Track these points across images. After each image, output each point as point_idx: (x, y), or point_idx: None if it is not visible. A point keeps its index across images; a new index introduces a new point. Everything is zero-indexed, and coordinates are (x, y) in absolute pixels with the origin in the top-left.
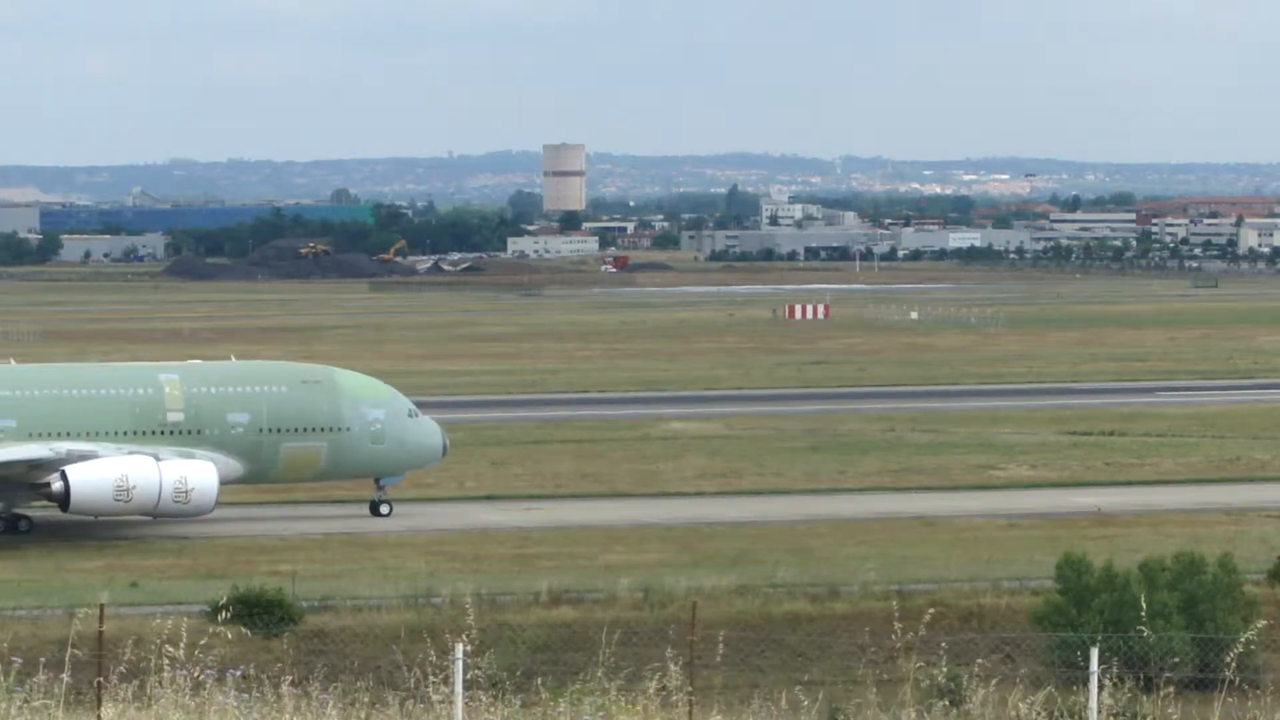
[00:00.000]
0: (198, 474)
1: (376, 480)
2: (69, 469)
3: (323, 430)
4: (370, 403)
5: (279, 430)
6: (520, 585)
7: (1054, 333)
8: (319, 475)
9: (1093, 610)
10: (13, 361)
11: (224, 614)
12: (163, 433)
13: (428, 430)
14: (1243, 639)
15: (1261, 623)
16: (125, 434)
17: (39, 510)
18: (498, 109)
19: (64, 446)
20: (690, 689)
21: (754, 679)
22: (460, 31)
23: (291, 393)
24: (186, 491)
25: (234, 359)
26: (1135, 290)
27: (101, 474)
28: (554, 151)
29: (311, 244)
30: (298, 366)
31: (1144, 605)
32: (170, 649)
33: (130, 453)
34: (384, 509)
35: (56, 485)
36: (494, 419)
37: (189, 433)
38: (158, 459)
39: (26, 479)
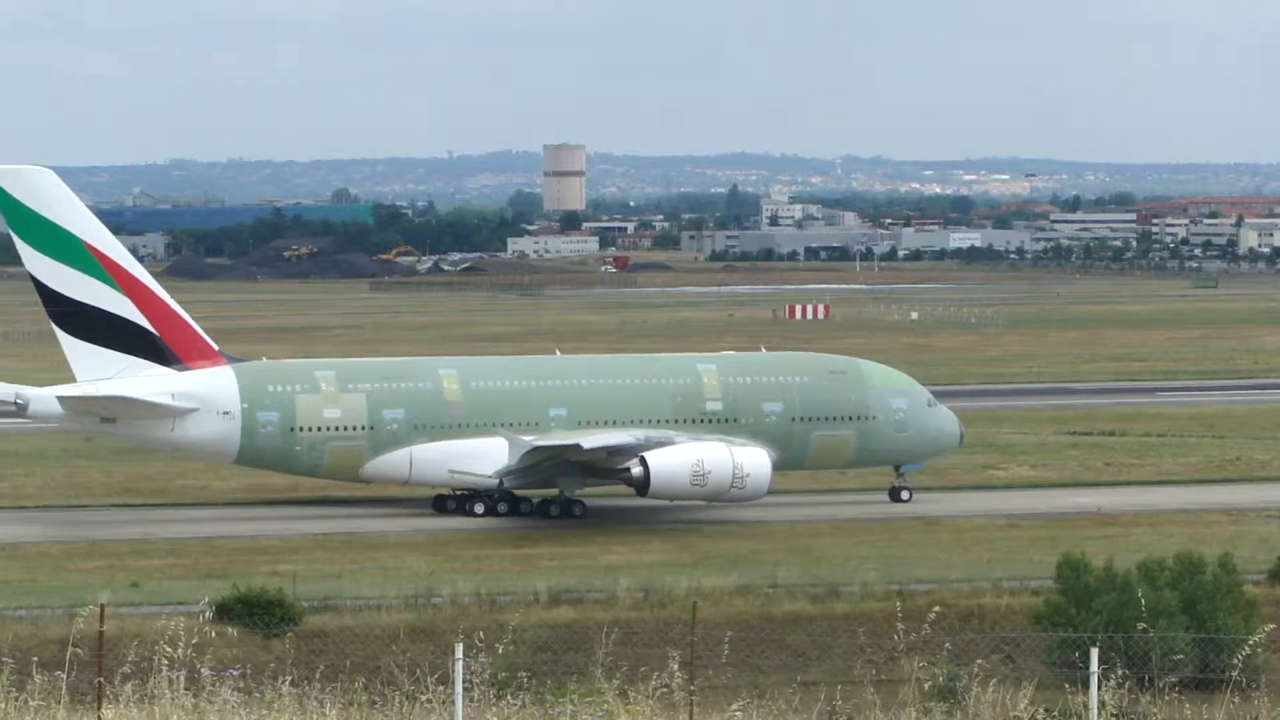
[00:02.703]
0: (753, 460)
1: (897, 468)
2: (649, 454)
3: (850, 419)
4: (894, 392)
5: (810, 419)
6: (520, 585)
7: (1054, 333)
8: (847, 463)
9: (1092, 610)
10: (557, 352)
11: (207, 614)
12: (702, 421)
13: (946, 419)
14: (1251, 641)
15: (1270, 626)
16: (667, 422)
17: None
18: (498, 109)
19: (642, 433)
20: (691, 689)
21: (754, 679)
22: (460, 31)
23: (820, 383)
24: (744, 477)
25: (764, 349)
26: (1135, 290)
27: (679, 459)
28: (554, 151)
29: (295, 247)
30: (824, 358)
31: (1143, 604)
32: (170, 649)
33: (693, 439)
34: (904, 495)
35: (636, 470)
36: None
37: (727, 421)
38: (729, 445)
39: (605, 464)
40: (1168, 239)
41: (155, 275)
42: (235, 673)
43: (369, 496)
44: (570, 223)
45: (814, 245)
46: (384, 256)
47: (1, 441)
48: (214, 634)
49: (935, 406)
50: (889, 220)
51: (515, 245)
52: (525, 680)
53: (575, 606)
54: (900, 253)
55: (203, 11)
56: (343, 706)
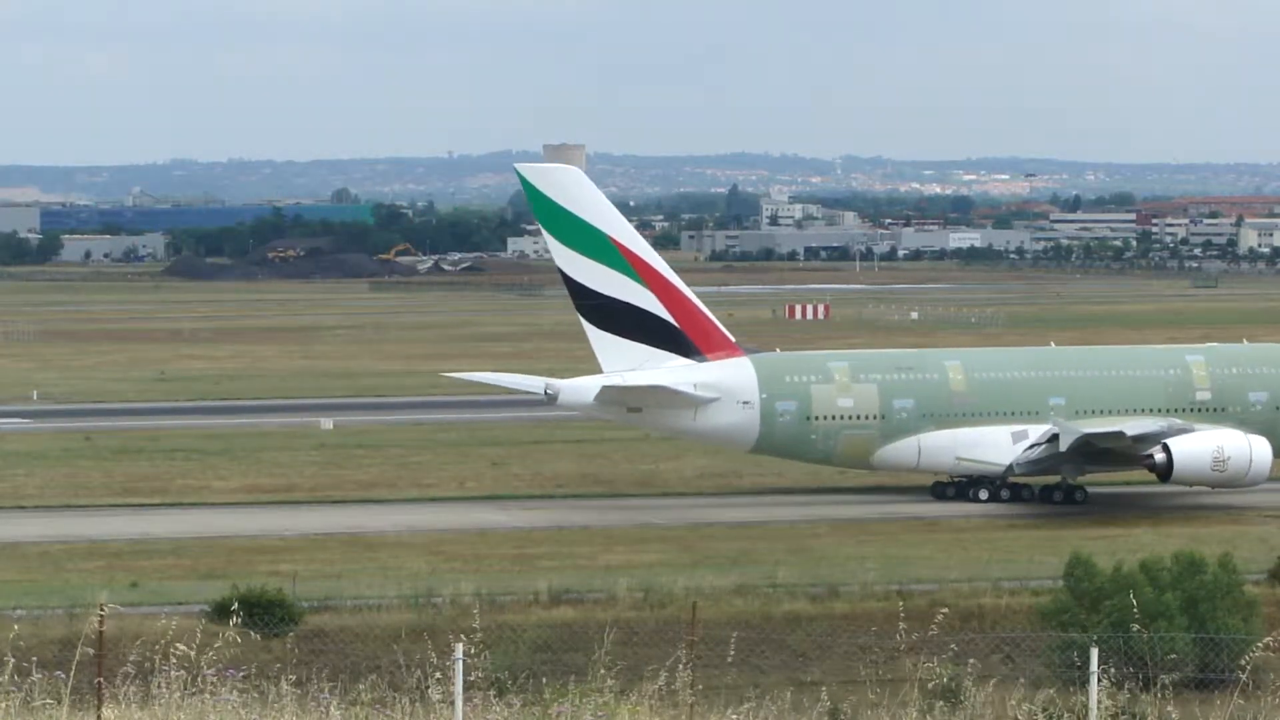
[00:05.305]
0: (1260, 448)
1: None
2: (1171, 441)
3: None
4: None
5: None
6: (520, 585)
7: (1054, 333)
8: None
9: (1103, 614)
10: (1053, 344)
11: (234, 618)
12: (1191, 410)
13: None
14: (1264, 643)
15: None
16: (1157, 411)
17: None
18: (498, 109)
19: (1164, 420)
20: (691, 689)
21: (754, 679)
22: (460, 31)
23: None
24: (1251, 463)
25: (1245, 341)
26: (1135, 290)
27: (1202, 446)
28: (554, 151)
29: (282, 249)
30: None
31: (1134, 605)
32: (170, 649)
33: (1199, 427)
34: None
35: (1159, 457)
36: (493, 419)
37: (1215, 410)
38: (1246, 433)
39: (1125, 451)
40: (1168, 239)
41: (155, 275)
42: (235, 673)
43: (367, 496)
44: None
45: (814, 245)
46: (384, 256)
47: (1, 441)
48: (217, 634)
49: None
50: (889, 220)
51: (515, 245)
52: (525, 680)
53: (575, 606)
54: (900, 253)
55: (203, 11)
56: (343, 706)
